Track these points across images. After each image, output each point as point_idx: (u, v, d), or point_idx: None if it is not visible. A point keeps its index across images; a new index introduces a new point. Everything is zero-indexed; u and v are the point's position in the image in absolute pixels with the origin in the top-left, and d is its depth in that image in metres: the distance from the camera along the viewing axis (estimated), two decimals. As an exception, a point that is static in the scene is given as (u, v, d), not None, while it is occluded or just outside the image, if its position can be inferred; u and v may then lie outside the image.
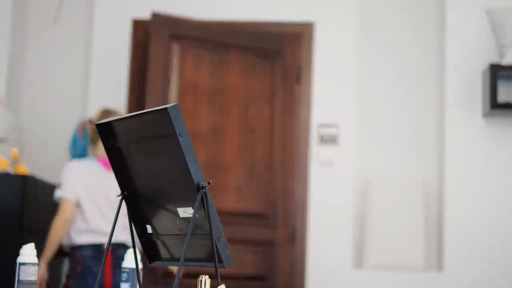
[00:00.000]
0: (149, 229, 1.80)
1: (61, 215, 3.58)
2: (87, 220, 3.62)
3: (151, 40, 4.25)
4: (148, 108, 3.90)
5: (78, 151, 3.90)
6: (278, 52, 4.52)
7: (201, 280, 1.68)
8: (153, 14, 4.28)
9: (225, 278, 4.21)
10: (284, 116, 4.49)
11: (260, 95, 4.44)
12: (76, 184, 3.62)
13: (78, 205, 3.63)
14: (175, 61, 4.30)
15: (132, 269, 2.27)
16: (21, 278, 1.99)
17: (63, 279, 4.02)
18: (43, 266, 3.54)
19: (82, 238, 3.63)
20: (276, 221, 4.41)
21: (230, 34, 4.41)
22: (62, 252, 4.37)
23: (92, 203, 3.64)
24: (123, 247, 3.56)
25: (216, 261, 1.59)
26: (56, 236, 3.58)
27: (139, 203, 1.79)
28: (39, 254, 2.07)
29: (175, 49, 4.30)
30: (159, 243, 1.80)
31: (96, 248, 3.60)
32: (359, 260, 4.48)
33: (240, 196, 4.31)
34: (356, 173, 4.53)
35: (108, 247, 1.80)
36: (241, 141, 4.36)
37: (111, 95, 4.61)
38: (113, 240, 3.54)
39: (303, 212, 4.46)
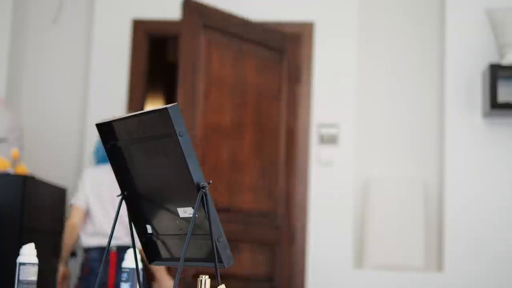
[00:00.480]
0: (149, 229, 1.80)
1: (69, 220, 3.87)
2: (94, 224, 3.81)
3: (184, 28, 3.99)
4: (179, 98, 3.84)
5: (101, 157, 4.00)
6: (284, 51, 4.51)
7: (201, 280, 1.68)
8: (185, 0, 4.01)
9: (230, 278, 4.19)
10: (286, 115, 4.49)
11: (269, 93, 4.42)
12: (86, 192, 3.85)
13: (88, 210, 3.85)
14: (204, 52, 4.10)
15: (132, 269, 2.27)
16: (21, 278, 1.99)
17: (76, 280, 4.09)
18: (60, 267, 3.85)
19: (90, 241, 3.82)
20: (279, 221, 4.40)
21: (248, 29, 4.32)
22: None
23: (101, 208, 3.80)
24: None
25: (216, 261, 1.59)
26: (66, 240, 3.86)
27: (139, 203, 1.79)
28: (39, 254, 2.07)
29: (204, 39, 4.10)
30: (159, 243, 1.80)
31: (103, 250, 3.72)
32: (359, 260, 4.48)
33: (254, 195, 4.28)
34: (356, 173, 4.53)
35: (108, 248, 1.80)
36: (255, 139, 4.33)
37: (111, 95, 4.62)
38: (119, 243, 3.66)
39: (303, 212, 4.46)
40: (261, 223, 4.29)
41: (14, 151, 3.94)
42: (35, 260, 2.02)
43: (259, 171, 4.30)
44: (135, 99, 4.63)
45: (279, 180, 4.39)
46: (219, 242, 1.62)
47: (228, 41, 4.19)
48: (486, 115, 4.31)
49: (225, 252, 1.63)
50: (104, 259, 1.81)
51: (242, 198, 4.20)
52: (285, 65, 4.50)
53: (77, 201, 3.85)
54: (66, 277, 3.91)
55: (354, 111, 4.55)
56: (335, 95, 4.56)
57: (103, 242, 3.73)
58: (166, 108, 1.54)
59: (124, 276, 2.29)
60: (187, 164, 1.56)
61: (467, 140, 4.37)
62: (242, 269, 4.13)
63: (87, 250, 3.85)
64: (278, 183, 4.39)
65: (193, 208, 1.60)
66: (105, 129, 1.76)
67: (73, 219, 3.84)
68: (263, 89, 4.38)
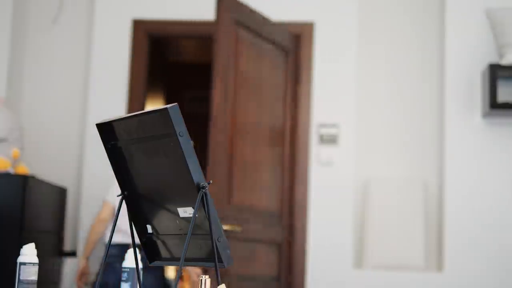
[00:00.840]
0: (149, 229, 1.80)
1: (98, 215, 4.01)
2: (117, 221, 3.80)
3: (219, 24, 3.86)
4: (215, 95, 3.81)
5: None
6: (290, 51, 4.52)
7: (201, 280, 1.68)
8: None
9: (246, 279, 4.14)
10: (290, 116, 4.49)
11: (278, 93, 4.42)
12: (117, 189, 3.92)
13: (115, 207, 3.97)
14: (234, 50, 4.00)
15: (132, 269, 2.28)
16: (21, 278, 1.99)
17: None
18: (82, 260, 4.03)
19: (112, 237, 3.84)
20: (284, 221, 4.41)
21: (268, 28, 4.28)
22: (63, 253, 4.38)
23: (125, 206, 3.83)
24: None
25: (216, 261, 1.59)
26: (91, 234, 4.00)
27: (139, 203, 1.79)
28: (39, 254, 2.07)
29: (236, 37, 3.99)
30: (159, 243, 1.80)
31: (122, 247, 3.75)
32: (359, 260, 4.48)
33: (268, 195, 4.28)
34: (356, 173, 4.53)
35: (108, 247, 1.80)
36: (269, 139, 4.32)
37: (111, 95, 4.62)
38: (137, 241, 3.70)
39: (303, 212, 4.46)
40: (272, 223, 4.29)
41: (15, 151, 3.95)
42: (36, 260, 2.02)
43: (271, 171, 4.31)
44: (135, 99, 4.63)
45: (284, 180, 4.40)
46: (219, 242, 1.62)
47: (253, 39, 4.14)
48: (485, 115, 4.31)
49: (225, 252, 1.63)
50: (104, 259, 1.81)
51: (261, 197, 4.20)
52: (291, 65, 4.51)
53: (107, 197, 3.99)
54: (84, 273, 4.02)
55: (354, 111, 4.55)
56: (335, 95, 4.56)
57: (124, 239, 3.79)
58: (166, 108, 1.54)
59: (124, 276, 2.29)
60: (187, 164, 1.57)
61: (467, 140, 4.37)
62: (261, 269, 4.13)
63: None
64: (284, 183, 4.40)
65: (193, 208, 1.61)
66: (105, 129, 1.76)
67: (102, 214, 3.98)
68: (275, 89, 4.38)
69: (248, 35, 4.10)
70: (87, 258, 4.04)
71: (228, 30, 3.93)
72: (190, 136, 1.59)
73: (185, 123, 1.58)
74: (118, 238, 3.83)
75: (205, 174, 3.49)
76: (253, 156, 4.16)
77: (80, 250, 4.41)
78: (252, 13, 4.15)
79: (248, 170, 4.10)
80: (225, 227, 3.67)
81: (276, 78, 4.40)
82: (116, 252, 3.79)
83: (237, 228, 3.82)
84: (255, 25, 4.16)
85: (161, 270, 4.02)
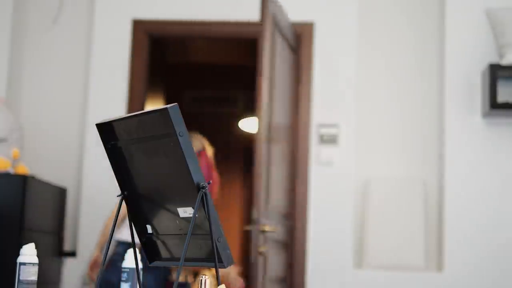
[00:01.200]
0: (149, 229, 1.80)
1: (113, 211, 4.01)
2: (125, 219, 3.88)
3: (265, 25, 3.80)
4: (261, 98, 3.79)
5: None
6: (296, 52, 4.51)
7: (201, 280, 1.68)
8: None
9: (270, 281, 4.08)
10: (293, 116, 4.49)
11: (290, 94, 4.42)
12: None
13: None
14: (274, 50, 3.95)
15: (132, 269, 2.28)
16: (21, 278, 1.99)
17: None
18: (96, 251, 4.05)
19: (119, 235, 3.91)
20: (292, 221, 4.41)
21: (286, 28, 4.25)
22: (62, 253, 4.39)
23: None
24: None
25: (216, 261, 1.59)
26: (105, 228, 4.02)
27: (139, 203, 1.79)
28: (40, 254, 2.07)
29: (273, 36, 3.96)
30: (159, 243, 1.80)
31: (130, 245, 3.72)
32: (359, 260, 4.48)
33: (282, 195, 4.28)
34: (356, 173, 4.53)
35: (108, 246, 1.80)
36: (286, 140, 4.32)
37: (111, 95, 4.62)
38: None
39: (303, 212, 4.46)
40: (282, 223, 4.29)
41: (15, 151, 3.95)
42: (35, 260, 2.02)
43: (284, 172, 4.31)
44: (135, 99, 4.63)
45: (290, 180, 4.40)
46: (219, 242, 1.62)
47: (279, 38, 4.12)
48: (485, 115, 4.31)
49: (225, 252, 1.63)
50: (104, 257, 1.81)
51: (275, 198, 4.20)
52: (296, 65, 4.51)
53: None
54: (97, 264, 4.03)
55: (354, 111, 4.55)
56: (335, 95, 4.56)
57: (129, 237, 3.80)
58: (166, 108, 1.54)
59: (124, 276, 2.29)
60: (187, 164, 1.57)
61: (467, 140, 4.37)
62: (272, 270, 4.13)
63: (118, 244, 3.94)
64: (290, 184, 4.40)
65: (193, 208, 1.61)
66: (105, 129, 1.76)
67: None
68: (288, 89, 4.38)
69: (278, 34, 4.10)
70: (101, 250, 4.05)
71: (271, 31, 3.89)
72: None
73: (185, 123, 1.58)
74: (127, 236, 3.83)
75: (249, 175, 3.47)
76: (274, 157, 4.16)
77: (80, 250, 4.41)
78: (284, 14, 4.13)
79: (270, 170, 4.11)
80: (266, 228, 3.68)
81: (288, 77, 4.40)
82: (123, 250, 3.77)
83: (275, 229, 3.82)
84: (282, 24, 4.15)
85: (164, 272, 4.00)
